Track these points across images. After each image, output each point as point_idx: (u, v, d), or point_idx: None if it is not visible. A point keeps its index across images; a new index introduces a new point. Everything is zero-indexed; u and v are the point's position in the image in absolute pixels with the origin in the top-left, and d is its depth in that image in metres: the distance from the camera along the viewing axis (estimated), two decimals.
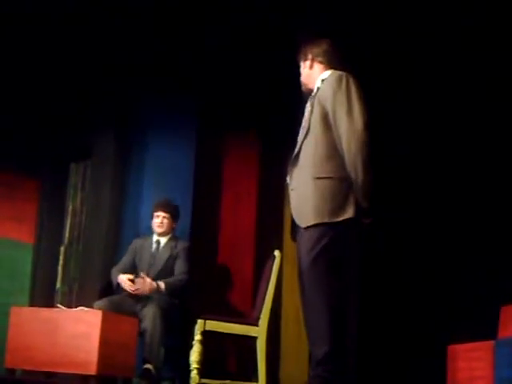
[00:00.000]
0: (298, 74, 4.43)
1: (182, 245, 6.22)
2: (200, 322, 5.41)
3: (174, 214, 6.28)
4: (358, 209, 3.91)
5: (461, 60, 6.43)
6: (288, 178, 4.17)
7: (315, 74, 4.30)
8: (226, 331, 5.52)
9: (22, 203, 7.35)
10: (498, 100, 6.37)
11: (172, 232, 6.29)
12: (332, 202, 3.89)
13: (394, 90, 6.58)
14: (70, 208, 7.55)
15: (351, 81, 4.05)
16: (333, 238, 3.88)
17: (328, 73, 4.21)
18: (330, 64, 4.29)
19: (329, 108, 4.00)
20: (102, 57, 6.78)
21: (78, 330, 4.91)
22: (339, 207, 3.89)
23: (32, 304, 6.93)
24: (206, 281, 6.42)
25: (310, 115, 4.08)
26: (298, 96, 4.56)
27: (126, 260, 6.21)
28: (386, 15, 6.09)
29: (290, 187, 4.10)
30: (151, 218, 6.28)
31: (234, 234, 6.91)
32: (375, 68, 6.27)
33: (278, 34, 6.07)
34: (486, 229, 6.41)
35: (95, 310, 5.31)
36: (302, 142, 4.07)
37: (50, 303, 6.89)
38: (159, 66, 6.76)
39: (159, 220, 6.21)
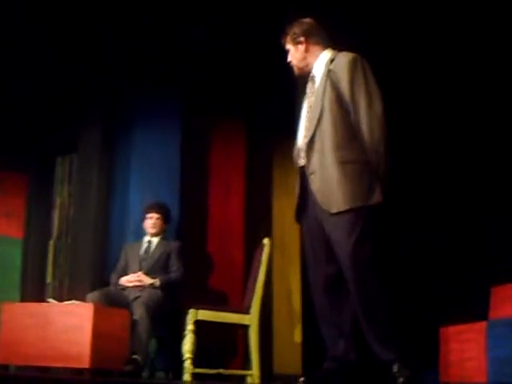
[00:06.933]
0: (284, 61, 4.32)
1: (174, 243, 6.25)
2: (192, 311, 5.40)
3: (165, 215, 6.30)
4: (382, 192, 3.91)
5: (452, 53, 6.44)
6: (301, 162, 4.07)
7: (312, 56, 4.18)
8: (218, 320, 5.52)
9: (10, 198, 7.34)
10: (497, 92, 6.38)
11: (163, 233, 6.30)
12: (361, 186, 3.86)
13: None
14: (58, 202, 7.54)
15: (365, 63, 4.02)
16: (366, 220, 3.86)
17: (330, 53, 4.14)
18: (326, 43, 4.20)
19: (345, 90, 3.95)
20: (87, 51, 6.73)
21: (69, 324, 4.90)
22: (368, 191, 3.87)
23: (23, 299, 6.93)
24: (196, 271, 6.43)
25: (323, 97, 3.98)
26: (283, 84, 4.52)
27: (120, 265, 6.20)
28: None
29: (309, 171, 3.97)
30: (143, 219, 6.29)
31: (222, 224, 6.93)
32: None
33: (263, 23, 6.04)
34: (475, 210, 6.44)
35: (87, 303, 5.30)
36: (317, 125, 3.96)
37: (41, 297, 6.89)
38: (145, 59, 6.73)
39: (152, 221, 6.23)
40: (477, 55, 6.32)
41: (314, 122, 3.99)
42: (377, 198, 3.89)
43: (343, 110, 3.95)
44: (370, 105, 3.93)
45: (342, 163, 3.86)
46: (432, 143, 6.79)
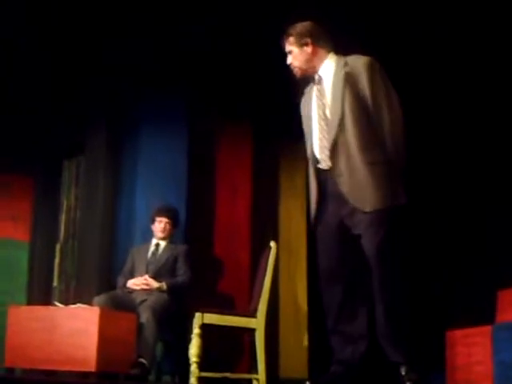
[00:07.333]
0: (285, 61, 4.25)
1: (182, 247, 6.25)
2: (198, 315, 5.38)
3: (175, 219, 6.30)
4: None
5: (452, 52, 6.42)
6: (323, 165, 4.06)
7: (318, 59, 4.14)
8: (224, 324, 5.50)
9: (17, 202, 7.35)
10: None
11: (171, 237, 6.30)
12: (389, 186, 3.91)
13: None
14: (65, 205, 7.54)
15: (380, 66, 4.04)
16: (393, 221, 3.92)
17: (336, 56, 4.13)
18: (330, 46, 4.17)
19: (365, 91, 3.96)
20: (93, 53, 6.73)
21: (76, 327, 4.90)
22: (395, 191, 3.94)
23: (30, 302, 6.94)
24: (202, 274, 6.42)
25: (343, 100, 3.97)
26: (289, 85, 4.49)
27: (127, 268, 6.19)
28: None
29: (335, 173, 3.96)
30: (151, 222, 6.28)
31: (229, 227, 6.92)
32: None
33: (269, 24, 6.00)
34: (480, 213, 6.42)
35: (93, 307, 5.31)
36: (339, 128, 3.95)
37: (47, 301, 6.89)
38: (149, 61, 6.71)
39: (162, 225, 6.22)
40: (477, 58, 6.32)
41: (335, 124, 3.98)
42: (402, 198, 3.95)
43: (364, 111, 3.97)
44: (390, 105, 3.98)
45: (371, 164, 3.90)
46: (432, 144, 6.78)
